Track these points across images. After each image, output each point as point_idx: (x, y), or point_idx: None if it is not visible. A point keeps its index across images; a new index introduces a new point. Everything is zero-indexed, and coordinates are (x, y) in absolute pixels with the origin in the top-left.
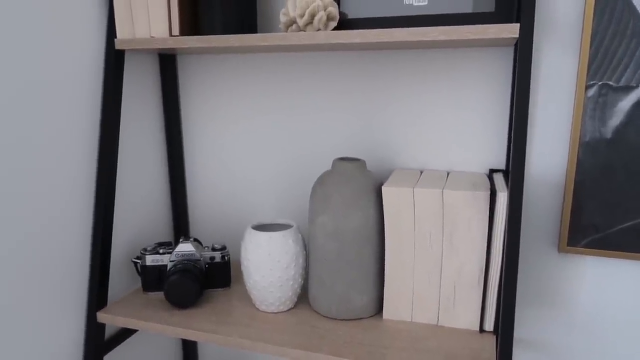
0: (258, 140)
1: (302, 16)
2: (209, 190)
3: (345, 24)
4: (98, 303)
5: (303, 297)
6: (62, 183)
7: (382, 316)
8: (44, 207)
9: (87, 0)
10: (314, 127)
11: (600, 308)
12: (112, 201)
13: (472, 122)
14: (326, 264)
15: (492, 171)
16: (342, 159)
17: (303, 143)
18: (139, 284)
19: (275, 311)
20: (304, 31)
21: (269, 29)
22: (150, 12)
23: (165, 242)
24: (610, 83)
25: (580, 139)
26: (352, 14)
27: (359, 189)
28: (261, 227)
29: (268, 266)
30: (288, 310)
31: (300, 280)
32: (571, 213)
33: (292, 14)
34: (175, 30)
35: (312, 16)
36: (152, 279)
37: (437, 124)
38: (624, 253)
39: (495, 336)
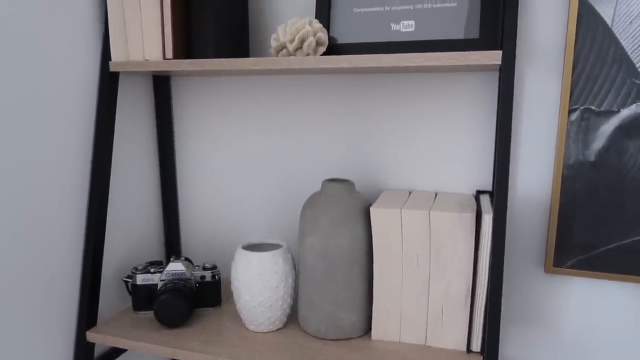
0: (249, 161)
1: (292, 41)
2: (200, 210)
3: (334, 48)
4: (88, 322)
5: (292, 317)
6: (54, 201)
7: (370, 336)
8: (36, 224)
9: (83, 22)
10: (304, 148)
11: (586, 328)
12: (104, 220)
13: (460, 144)
14: (315, 284)
15: (479, 192)
16: (331, 180)
17: (293, 164)
18: (130, 303)
19: (265, 331)
20: (294, 56)
21: (261, 52)
22: (145, 35)
23: (156, 261)
24: (593, 107)
25: (564, 161)
26: (341, 39)
27: (347, 210)
28: (251, 247)
29: (258, 286)
30: (277, 330)
31: (289, 300)
32: (557, 234)
33: (282, 39)
34: (169, 53)
35: (302, 42)
36: (142, 298)
37: (425, 145)
38: (610, 274)
39: (482, 356)
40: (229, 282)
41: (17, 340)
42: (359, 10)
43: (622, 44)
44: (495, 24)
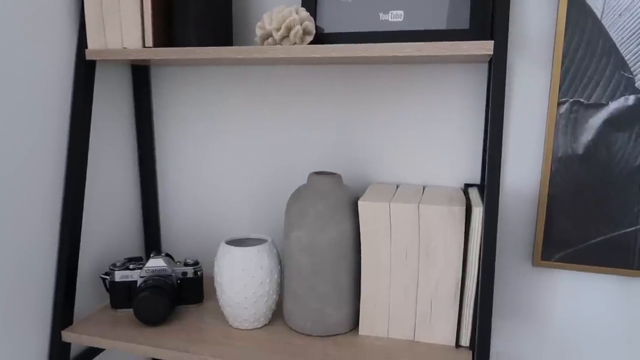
0: (232, 153)
1: (278, 30)
2: (181, 204)
3: (321, 38)
4: (63, 321)
5: (278, 313)
6: (28, 195)
7: (357, 332)
8: (8, 219)
9: (57, 9)
10: (289, 140)
11: (574, 321)
12: (80, 214)
13: (448, 136)
14: (301, 280)
15: (467, 185)
16: (317, 173)
17: (278, 157)
18: (108, 301)
19: (249, 328)
20: (280, 45)
21: (244, 40)
22: (123, 23)
23: (136, 257)
24: (582, 100)
25: (553, 154)
26: (328, 28)
27: (334, 203)
28: (235, 242)
29: (242, 282)
30: (262, 326)
31: (274, 296)
32: (545, 227)
33: (268, 27)
34: (149, 41)
35: (289, 30)
36: (121, 295)
37: (413, 138)
38: (597, 267)
39: (471, 351)
40: (211, 279)
41: None
42: None
43: (612, 36)
44: (485, 15)
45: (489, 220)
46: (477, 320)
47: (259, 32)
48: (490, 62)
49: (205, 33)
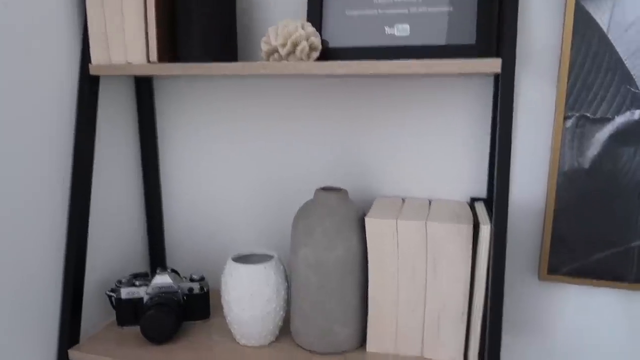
0: (237, 167)
1: (284, 45)
2: (186, 219)
3: (326, 52)
4: (70, 340)
5: (285, 330)
6: (33, 212)
7: (365, 349)
8: (14, 237)
9: (61, 24)
10: (294, 154)
11: (580, 336)
12: (86, 230)
13: (453, 150)
14: (308, 297)
15: (474, 200)
16: (324, 188)
17: (283, 170)
18: (113, 316)
19: (257, 345)
20: (286, 60)
21: (249, 54)
22: (127, 37)
23: (141, 273)
24: (588, 115)
25: (559, 168)
26: (333, 42)
27: (341, 220)
28: (241, 259)
29: (249, 299)
30: (270, 344)
31: (281, 312)
32: (551, 241)
33: (273, 42)
34: (153, 56)
35: (295, 46)
36: (127, 312)
37: (419, 151)
38: (604, 281)
39: None
40: (216, 294)
41: None
42: (351, 13)
43: (618, 51)
44: (491, 30)
45: (498, 237)
46: (486, 338)
47: (264, 47)
48: (496, 76)
49: (209, 46)
